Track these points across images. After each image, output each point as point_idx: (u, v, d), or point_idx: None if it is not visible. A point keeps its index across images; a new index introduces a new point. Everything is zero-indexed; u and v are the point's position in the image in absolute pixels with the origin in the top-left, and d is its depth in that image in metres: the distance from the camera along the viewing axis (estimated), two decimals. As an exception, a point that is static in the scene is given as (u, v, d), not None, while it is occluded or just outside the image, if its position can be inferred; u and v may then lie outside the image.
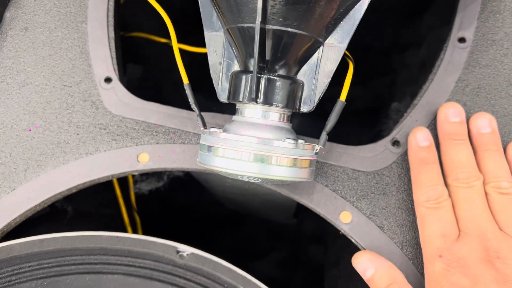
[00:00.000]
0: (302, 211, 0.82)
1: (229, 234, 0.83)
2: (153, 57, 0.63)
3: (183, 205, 0.72)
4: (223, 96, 0.34)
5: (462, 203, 0.34)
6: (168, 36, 0.37)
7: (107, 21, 0.41)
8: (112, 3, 0.42)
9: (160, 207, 0.64)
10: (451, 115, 0.37)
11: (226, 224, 0.83)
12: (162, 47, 0.56)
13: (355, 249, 0.37)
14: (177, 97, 0.69)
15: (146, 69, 0.64)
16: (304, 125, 0.60)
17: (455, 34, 0.40)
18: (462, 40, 0.40)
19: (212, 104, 0.39)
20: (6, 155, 0.39)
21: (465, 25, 0.40)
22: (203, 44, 0.34)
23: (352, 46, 0.32)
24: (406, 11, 0.63)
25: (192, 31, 0.53)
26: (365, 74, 0.76)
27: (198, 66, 0.46)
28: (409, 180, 0.37)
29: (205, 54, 0.34)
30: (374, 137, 0.65)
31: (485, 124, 0.37)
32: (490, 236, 0.33)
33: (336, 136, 0.36)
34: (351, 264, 0.52)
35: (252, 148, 0.29)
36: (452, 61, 0.39)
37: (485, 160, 0.36)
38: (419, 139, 0.36)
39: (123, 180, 0.50)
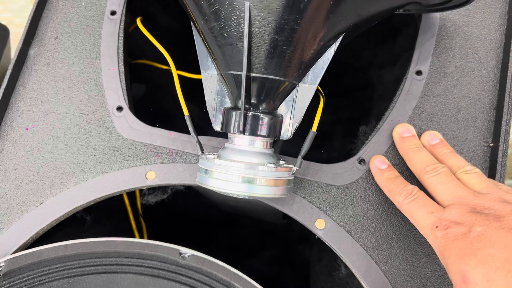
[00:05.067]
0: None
1: (224, 234, 0.90)
2: (154, 77, 0.70)
3: (183, 209, 0.79)
4: (217, 126, 0.41)
5: (438, 187, 0.40)
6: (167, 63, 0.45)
7: (118, 57, 0.48)
8: (121, 41, 0.49)
9: (163, 212, 0.71)
10: (403, 132, 0.44)
11: (222, 226, 0.90)
12: (162, 69, 0.63)
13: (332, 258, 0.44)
14: (177, 112, 0.76)
15: (149, 87, 0.71)
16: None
17: (413, 67, 0.47)
18: (419, 72, 0.47)
19: (204, 112, 0.45)
20: (34, 173, 0.46)
21: (421, 59, 0.47)
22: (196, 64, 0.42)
23: (337, 64, 0.39)
24: (381, 35, 0.70)
25: (189, 50, 0.60)
26: (347, 88, 0.83)
27: (192, 80, 0.54)
28: (373, 192, 0.44)
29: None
30: (353, 144, 0.73)
31: (433, 137, 0.44)
32: (471, 197, 0.38)
33: (324, 142, 0.42)
34: (330, 261, 0.59)
35: (240, 172, 0.37)
36: (410, 91, 0.47)
37: (446, 160, 0.42)
38: (378, 164, 0.44)
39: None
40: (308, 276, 0.78)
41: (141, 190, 0.53)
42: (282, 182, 0.38)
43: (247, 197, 0.38)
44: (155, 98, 0.72)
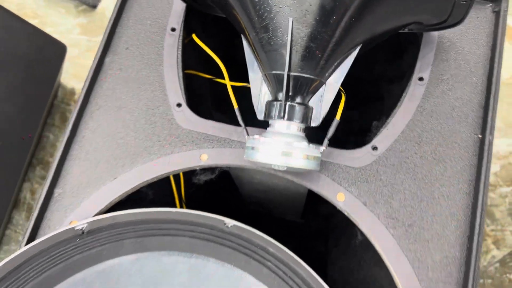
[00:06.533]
0: (308, 213, 0.99)
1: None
2: (195, 87, 0.81)
3: (212, 204, 0.89)
4: (260, 115, 0.52)
5: None
6: (209, 73, 0.56)
7: (177, 65, 0.60)
8: (180, 52, 0.61)
9: (198, 203, 0.82)
10: None
11: (244, 222, 1.00)
12: (201, 79, 0.74)
13: (350, 228, 0.54)
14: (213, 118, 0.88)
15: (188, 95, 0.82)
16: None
17: (416, 74, 0.58)
18: (421, 79, 0.58)
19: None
20: (109, 155, 0.57)
21: (423, 68, 0.59)
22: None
23: (352, 78, 0.50)
24: (391, 51, 0.81)
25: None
26: (359, 101, 0.94)
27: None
28: (383, 173, 0.55)
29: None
30: (368, 136, 0.83)
31: None
32: None
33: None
34: (345, 246, 0.69)
35: (280, 148, 0.47)
36: (414, 93, 0.58)
37: None
38: None
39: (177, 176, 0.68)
40: (324, 270, 0.88)
41: (194, 171, 0.63)
42: (313, 158, 0.49)
43: (285, 168, 0.49)
44: (193, 104, 0.84)
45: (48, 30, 1.29)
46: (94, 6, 1.28)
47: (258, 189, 0.75)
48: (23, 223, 1.11)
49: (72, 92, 1.20)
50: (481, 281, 0.99)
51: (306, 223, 0.99)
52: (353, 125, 1.00)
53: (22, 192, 1.12)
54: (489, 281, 0.99)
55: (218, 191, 0.81)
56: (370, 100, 0.95)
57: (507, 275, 0.99)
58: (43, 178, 1.14)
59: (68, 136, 0.57)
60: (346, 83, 0.52)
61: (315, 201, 0.93)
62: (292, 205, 0.83)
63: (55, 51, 0.99)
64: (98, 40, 1.25)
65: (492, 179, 1.07)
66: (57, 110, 1.18)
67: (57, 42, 0.97)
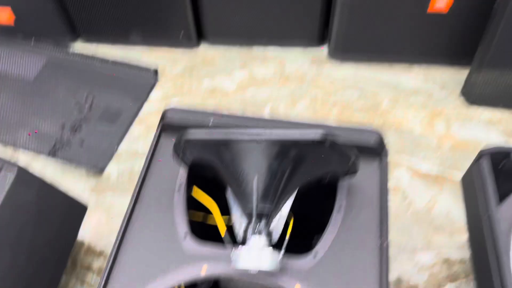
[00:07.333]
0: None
1: None
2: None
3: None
4: (240, 237, 0.83)
5: None
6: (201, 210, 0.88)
7: (183, 208, 0.92)
8: (185, 200, 0.93)
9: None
10: None
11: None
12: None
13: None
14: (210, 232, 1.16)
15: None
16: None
17: (337, 205, 0.92)
18: (340, 207, 0.92)
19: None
20: (137, 275, 0.84)
21: (340, 200, 0.92)
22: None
23: (299, 213, 0.82)
24: (324, 194, 1.16)
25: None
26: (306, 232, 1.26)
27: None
28: (323, 270, 0.84)
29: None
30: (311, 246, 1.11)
31: None
32: None
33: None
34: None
35: (253, 257, 0.77)
36: (336, 218, 0.90)
37: None
38: None
39: None
40: None
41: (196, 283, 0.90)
42: (276, 260, 0.78)
43: (257, 272, 0.78)
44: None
45: (63, 192, 1.60)
46: (101, 170, 1.63)
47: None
48: None
49: (82, 243, 1.47)
50: None
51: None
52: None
53: (37, 330, 1.30)
54: None
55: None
56: (313, 231, 1.27)
57: None
58: (56, 316, 1.34)
59: (107, 273, 0.85)
60: (296, 220, 0.85)
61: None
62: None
63: (77, 210, 1.29)
64: (104, 198, 1.57)
65: (423, 286, 1.36)
66: (69, 256, 1.43)
67: (79, 203, 1.28)
